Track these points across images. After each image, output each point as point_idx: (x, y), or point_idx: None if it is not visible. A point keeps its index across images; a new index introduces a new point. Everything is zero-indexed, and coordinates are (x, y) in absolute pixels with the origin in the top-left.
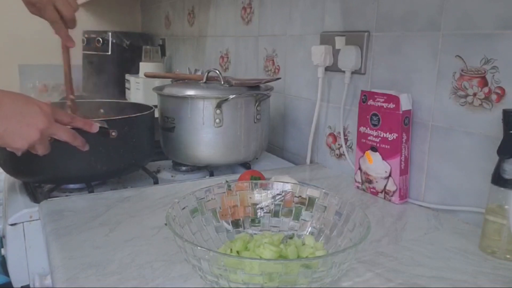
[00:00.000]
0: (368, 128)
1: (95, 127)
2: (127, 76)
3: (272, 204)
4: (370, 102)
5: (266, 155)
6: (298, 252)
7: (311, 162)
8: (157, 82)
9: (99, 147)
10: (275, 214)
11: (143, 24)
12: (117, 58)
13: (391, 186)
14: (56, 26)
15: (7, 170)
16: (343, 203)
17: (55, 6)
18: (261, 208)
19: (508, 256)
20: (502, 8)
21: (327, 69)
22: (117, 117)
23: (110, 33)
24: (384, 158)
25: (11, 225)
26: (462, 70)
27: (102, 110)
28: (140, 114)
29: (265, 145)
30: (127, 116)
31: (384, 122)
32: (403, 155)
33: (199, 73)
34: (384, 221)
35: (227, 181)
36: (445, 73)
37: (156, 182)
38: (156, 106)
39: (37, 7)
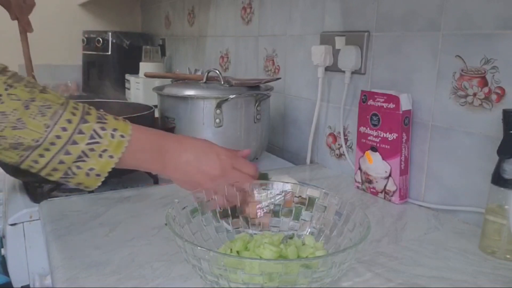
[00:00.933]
0: (368, 128)
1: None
2: (127, 76)
3: (272, 204)
4: (370, 102)
5: (266, 155)
6: (298, 252)
7: (311, 162)
8: (157, 82)
9: None
10: (275, 214)
11: (143, 24)
12: (117, 58)
13: (391, 186)
14: (18, 11)
15: (7, 170)
16: (343, 203)
17: None
18: (261, 208)
19: (508, 256)
20: (502, 8)
21: (327, 69)
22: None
23: (110, 33)
24: (384, 158)
25: (11, 225)
26: (462, 70)
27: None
28: (140, 114)
29: (265, 145)
30: (127, 116)
31: (384, 122)
32: (403, 155)
33: (199, 73)
34: (384, 221)
35: None
36: (445, 73)
37: (156, 182)
38: (156, 106)
39: None
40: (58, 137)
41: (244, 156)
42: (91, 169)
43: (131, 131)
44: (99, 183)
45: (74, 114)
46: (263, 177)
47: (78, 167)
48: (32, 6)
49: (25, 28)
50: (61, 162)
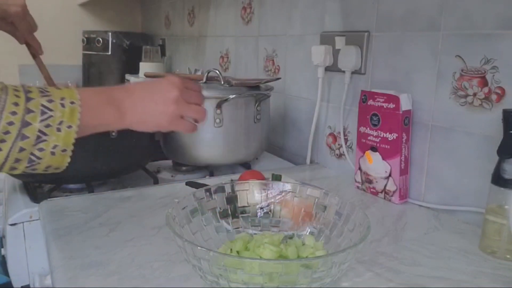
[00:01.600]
0: (368, 128)
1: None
2: (127, 76)
3: (272, 204)
4: (370, 102)
5: (266, 155)
6: (298, 252)
7: (311, 162)
8: None
9: (99, 147)
10: (275, 214)
11: (143, 24)
12: (117, 58)
13: (391, 186)
14: (29, 36)
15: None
16: (343, 203)
17: (26, 18)
18: (261, 208)
19: (508, 256)
20: (502, 8)
21: (327, 69)
22: None
23: (110, 33)
24: (384, 158)
25: (11, 225)
26: (462, 70)
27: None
28: None
29: (265, 145)
30: None
31: (384, 122)
32: (403, 155)
33: (199, 73)
34: (384, 221)
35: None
36: (445, 73)
37: (156, 182)
38: None
39: (8, 21)
40: (10, 123)
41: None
42: (54, 147)
43: (78, 95)
44: (68, 160)
45: (17, 96)
46: (277, 178)
47: (41, 149)
48: (36, 28)
49: (37, 51)
50: (21, 149)
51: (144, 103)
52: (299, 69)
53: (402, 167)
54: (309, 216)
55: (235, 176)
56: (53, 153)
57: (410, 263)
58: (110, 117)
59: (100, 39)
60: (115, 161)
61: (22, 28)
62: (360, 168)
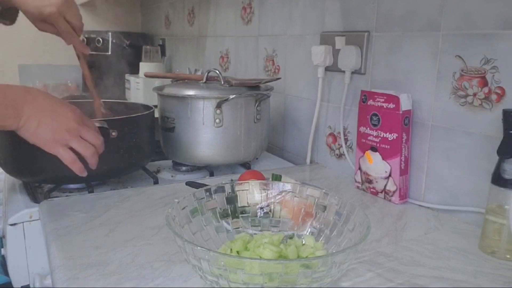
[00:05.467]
0: (368, 128)
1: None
2: (127, 76)
3: (272, 204)
4: (370, 102)
5: (266, 155)
6: (298, 252)
7: (311, 162)
8: (157, 82)
9: None
10: (275, 214)
11: (143, 24)
12: (117, 58)
13: (391, 186)
14: (69, 36)
15: (7, 170)
16: (343, 203)
17: (65, 18)
18: (261, 208)
19: (508, 256)
20: (502, 8)
21: (327, 69)
22: (117, 117)
23: (110, 33)
24: (384, 158)
25: (11, 225)
26: (462, 70)
27: (104, 110)
28: (140, 114)
29: (265, 145)
30: (127, 116)
31: (384, 122)
32: (403, 155)
33: (199, 73)
34: (384, 221)
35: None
36: (445, 73)
37: (156, 182)
38: (156, 106)
39: (48, 22)
40: None
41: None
42: None
43: None
44: None
45: None
46: (277, 178)
47: None
48: (80, 27)
49: (82, 51)
50: None
51: (43, 115)
52: (299, 69)
53: (402, 167)
54: (309, 216)
55: (235, 176)
56: None
57: (410, 263)
58: (7, 118)
59: (100, 39)
60: (115, 161)
61: (61, 29)
62: (360, 168)
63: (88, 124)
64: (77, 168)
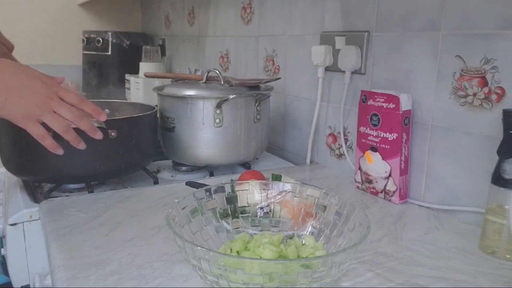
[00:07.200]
0: (368, 128)
1: (102, 116)
2: (127, 76)
3: (272, 204)
4: (370, 102)
5: (266, 155)
6: (298, 252)
7: (311, 162)
8: (157, 82)
9: (99, 147)
10: (275, 214)
11: (143, 24)
12: (117, 58)
13: (391, 186)
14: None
15: (9, 168)
16: (343, 203)
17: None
18: (261, 208)
19: (508, 256)
20: (502, 8)
21: (327, 69)
22: (117, 117)
23: (110, 33)
24: (384, 158)
25: (11, 225)
26: (462, 70)
27: (107, 110)
28: (141, 114)
29: (265, 145)
30: (127, 116)
31: (384, 122)
32: (403, 155)
33: (199, 73)
34: (384, 221)
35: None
36: (445, 73)
37: (156, 182)
38: (156, 106)
39: None
40: None
41: (60, 83)
42: None
43: None
44: None
45: None
46: (277, 178)
47: None
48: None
49: (6, 46)
50: None
51: (9, 90)
52: (299, 69)
53: (402, 167)
54: (309, 216)
55: (235, 176)
56: None
57: (410, 263)
58: None
59: (100, 39)
60: (115, 161)
61: None
62: (360, 168)
63: (64, 96)
64: (48, 144)
